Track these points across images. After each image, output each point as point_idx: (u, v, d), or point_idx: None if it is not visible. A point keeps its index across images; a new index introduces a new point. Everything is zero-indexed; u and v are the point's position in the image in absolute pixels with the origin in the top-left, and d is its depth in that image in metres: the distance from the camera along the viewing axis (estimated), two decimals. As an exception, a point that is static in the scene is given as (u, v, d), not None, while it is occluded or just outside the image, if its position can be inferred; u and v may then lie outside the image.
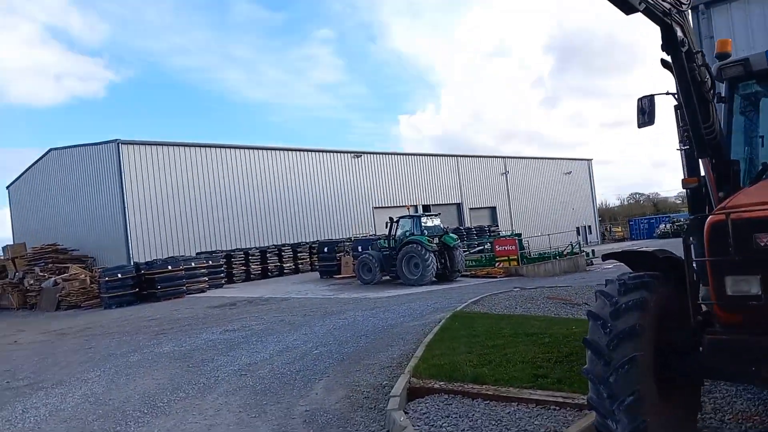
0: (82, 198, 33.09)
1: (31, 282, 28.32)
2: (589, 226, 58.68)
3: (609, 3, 3.40)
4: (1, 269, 34.77)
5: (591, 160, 60.64)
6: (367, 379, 7.28)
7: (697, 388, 4.39)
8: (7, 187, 43.38)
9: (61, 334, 16.78)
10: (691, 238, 4.17)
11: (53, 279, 27.12)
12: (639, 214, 77.70)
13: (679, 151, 4.51)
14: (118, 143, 28.61)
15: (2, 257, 36.61)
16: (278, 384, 7.63)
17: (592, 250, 33.81)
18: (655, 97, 4.74)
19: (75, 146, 33.52)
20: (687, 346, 3.97)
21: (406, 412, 5.35)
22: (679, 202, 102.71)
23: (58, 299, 25.64)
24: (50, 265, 29.77)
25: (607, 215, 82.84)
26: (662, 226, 59.48)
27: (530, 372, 6.07)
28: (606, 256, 4.46)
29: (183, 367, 9.38)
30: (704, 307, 3.93)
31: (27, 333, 18.44)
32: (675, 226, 57.19)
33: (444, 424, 4.99)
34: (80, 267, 28.95)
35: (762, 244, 3.38)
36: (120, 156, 28.45)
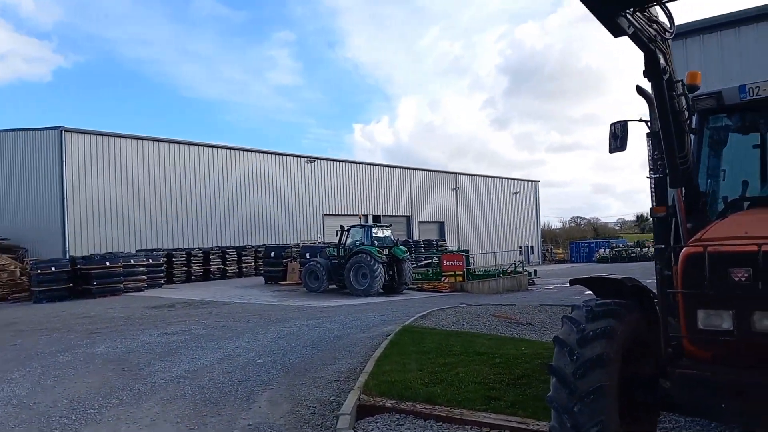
0: (18, 185, 31.43)
1: (-46, 271, 26.57)
2: (532, 246, 60.02)
3: (599, 23, 3.36)
4: None
5: (538, 182, 62.30)
6: (313, 394, 7.04)
7: (655, 418, 4.39)
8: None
9: (-17, 329, 15.73)
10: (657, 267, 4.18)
11: (-22, 268, 25.53)
12: (579, 238, 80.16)
13: (648, 179, 4.52)
14: (61, 130, 27.34)
15: None
16: (219, 394, 7.29)
17: (534, 270, 34.59)
18: (628, 123, 4.78)
19: (15, 130, 31.89)
20: (652, 377, 3.95)
21: (356, 432, 5.16)
22: (617, 228, 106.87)
23: (-18, 290, 24.14)
24: (-24, 254, 28.07)
25: (548, 236, 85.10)
26: (602, 250, 61.49)
27: (483, 393, 5.98)
28: (573, 281, 4.42)
29: (117, 371, 8.88)
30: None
31: (-55, 325, 17.22)
32: (614, 252, 59.25)
33: (396, 447, 4.83)
34: (10, 257, 27.39)
35: (736, 279, 3.38)
36: (63, 144, 27.19)
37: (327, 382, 7.60)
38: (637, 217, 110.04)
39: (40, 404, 7.03)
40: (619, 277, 4.28)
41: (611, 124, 4.79)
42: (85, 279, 22.86)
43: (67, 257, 24.73)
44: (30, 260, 25.63)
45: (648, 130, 4.66)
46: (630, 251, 59.09)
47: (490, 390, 6.14)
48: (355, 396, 6.05)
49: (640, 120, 4.81)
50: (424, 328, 11.33)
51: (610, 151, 4.82)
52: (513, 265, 30.75)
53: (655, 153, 4.31)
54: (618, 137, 4.70)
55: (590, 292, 4.53)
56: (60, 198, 27.26)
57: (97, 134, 28.78)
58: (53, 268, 22.53)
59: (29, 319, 17.02)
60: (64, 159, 27.19)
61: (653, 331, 4.13)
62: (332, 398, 6.75)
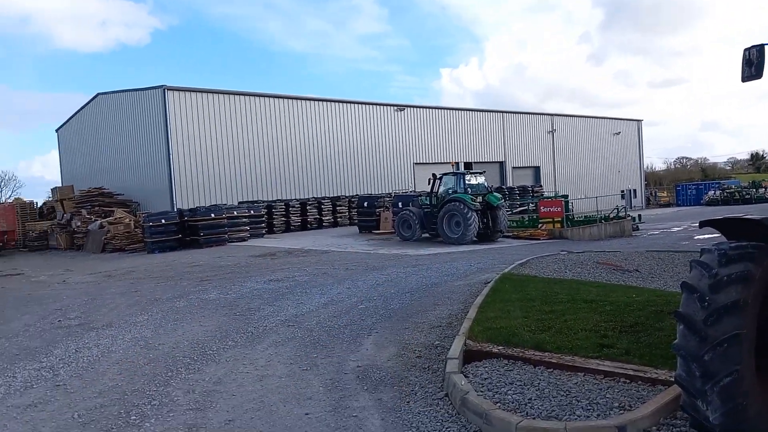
0: (128, 143, 33.55)
1: (78, 224, 29.09)
2: (635, 190, 56.98)
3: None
4: (50, 210, 35.91)
5: (641, 120, 58.42)
6: (417, 338, 7.11)
7: None
8: (57, 130, 44.33)
9: (107, 276, 17.17)
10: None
11: (99, 222, 27.78)
12: (686, 180, 75.18)
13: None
14: (164, 89, 28.69)
15: (51, 199, 37.76)
16: (327, 337, 7.53)
17: (639, 215, 32.90)
18: (765, 48, 4.29)
19: (122, 91, 33.82)
20: None
21: (465, 376, 5.14)
22: (728, 168, 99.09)
23: (103, 242, 26.29)
24: (96, 208, 30.51)
25: (652, 179, 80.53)
26: (711, 192, 57.31)
27: (595, 341, 5.76)
28: (704, 223, 4.06)
29: (230, 315, 9.40)
30: None
31: (74, 273, 18.97)
32: (725, 194, 55.11)
33: (509, 392, 4.76)
34: (125, 211, 29.57)
35: None
36: (166, 102, 28.57)
37: (429, 327, 7.65)
38: (752, 155, 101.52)
39: (164, 345, 7.58)
40: (757, 217, 3.88)
41: (745, 50, 4.32)
42: (192, 230, 24.28)
43: (175, 210, 26.29)
44: (142, 214, 27.50)
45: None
46: (744, 193, 54.61)
47: (601, 338, 5.90)
48: (461, 341, 6.01)
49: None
50: (525, 275, 11.09)
51: (743, 79, 4.37)
52: (615, 210, 29.44)
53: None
54: (753, 63, 4.22)
55: (711, 235, 4.14)
56: (167, 153, 28.84)
57: (197, 91, 29.95)
58: (163, 221, 24.07)
59: (145, 268, 18.37)
60: (168, 116, 28.61)
61: None
62: (436, 343, 6.78)
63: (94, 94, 37.55)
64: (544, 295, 8.28)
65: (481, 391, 4.76)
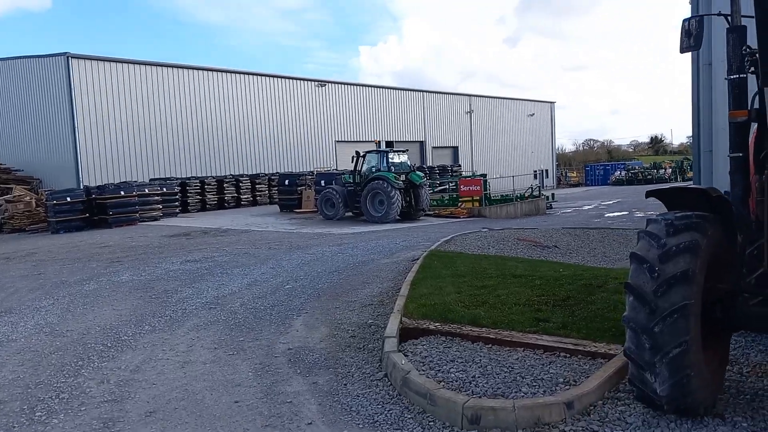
0: (28, 116, 30.87)
1: (-30, 203, 26.60)
2: (546, 170, 59.27)
3: None
4: (-65, 188, 32.66)
5: (554, 103, 60.70)
6: (349, 317, 6.88)
7: (729, 336, 4.14)
8: (-59, 100, 40.15)
9: (5, 258, 15.77)
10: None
11: (-5, 200, 25.54)
12: (593, 161, 79.09)
13: (726, 80, 4.06)
14: (67, 56, 26.54)
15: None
16: (253, 319, 7.16)
17: (552, 194, 34.20)
18: (704, 18, 4.31)
19: (20, 57, 30.96)
20: (731, 294, 3.66)
21: (405, 355, 4.95)
22: (631, 150, 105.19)
23: (0, 222, 24.21)
24: (-9, 186, 28.02)
25: (562, 160, 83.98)
26: (617, 173, 60.78)
27: (530, 316, 5.75)
28: (649, 193, 4.05)
29: (145, 298, 8.78)
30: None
31: (-33, 256, 17.30)
32: (630, 174, 58.54)
33: (451, 370, 4.62)
34: (25, 188, 27.34)
35: None
36: (70, 71, 26.46)
37: (361, 306, 7.44)
38: (651, 138, 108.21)
39: (72, 332, 6.93)
40: (701, 187, 3.90)
41: (684, 20, 4.32)
42: (100, 209, 22.79)
43: (82, 187, 24.57)
44: (45, 191, 25.54)
45: (728, 26, 4.19)
46: (646, 173, 58.38)
47: (536, 312, 5.91)
48: (397, 319, 5.83)
49: (719, 14, 4.34)
50: (452, 252, 11.11)
51: (682, 50, 4.37)
52: (530, 190, 30.41)
53: (744, 48, 3.82)
54: (692, 34, 4.23)
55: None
56: (71, 127, 26.81)
57: (104, 60, 27.95)
58: (68, 198, 22.45)
59: (49, 249, 17.04)
60: (72, 86, 26.53)
61: (733, 246, 3.81)
62: (369, 321, 6.58)
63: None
64: (474, 271, 8.28)
65: (423, 371, 4.60)
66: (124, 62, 28.68)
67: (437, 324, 5.62)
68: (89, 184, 25.26)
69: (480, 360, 4.80)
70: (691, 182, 15.68)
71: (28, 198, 25.09)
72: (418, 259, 11.00)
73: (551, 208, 29.56)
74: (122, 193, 23.00)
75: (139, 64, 29.25)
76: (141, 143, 29.08)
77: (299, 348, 5.86)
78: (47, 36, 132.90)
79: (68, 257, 14.99)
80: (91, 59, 27.45)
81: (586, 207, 30.86)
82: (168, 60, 29.74)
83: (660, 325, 3.32)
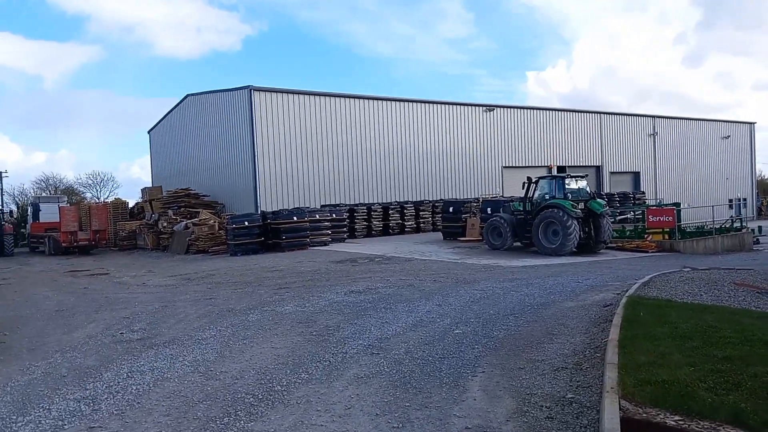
0: (215, 144, 33.64)
1: (165, 224, 29.23)
2: (744, 200, 51.85)
3: None
4: (139, 210, 36.69)
5: (754, 123, 53.20)
6: (540, 385, 5.47)
7: None
8: (149, 132, 45.60)
9: (185, 279, 16.58)
10: None
11: (184, 223, 27.74)
12: (801, 189, 68.03)
13: None
14: (250, 89, 28.36)
15: (141, 199, 38.66)
16: (420, 374, 6.05)
17: (759, 227, 29.35)
18: None
19: (210, 92, 33.97)
20: None
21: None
22: None
23: (188, 243, 26.15)
24: (182, 209, 30.63)
25: (761, 187, 73.50)
26: (839, 203, 51.36)
27: (823, 416, 3.94)
28: None
29: (306, 335, 8.12)
30: None
31: (155, 275, 18.58)
32: None
33: None
34: (210, 212, 29.46)
35: None
36: (252, 102, 28.21)
37: (552, 369, 5.99)
38: None
39: (226, 374, 6.35)
40: None
41: None
42: (275, 233, 23.60)
43: (259, 212, 25.74)
44: (226, 215, 27.20)
45: None
46: None
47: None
48: (614, 403, 4.29)
49: None
50: (657, 299, 9.12)
51: None
52: (730, 221, 26.20)
53: None
54: None
55: None
56: (252, 155, 28.45)
57: (282, 92, 29.43)
58: (246, 223, 23.54)
59: (225, 272, 17.67)
60: (254, 117, 28.22)
61: None
62: (569, 396, 5.11)
63: (184, 95, 38.12)
64: (701, 330, 6.40)
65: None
66: (299, 93, 29.96)
67: (677, 418, 4.00)
68: (266, 210, 26.44)
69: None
70: None
71: (212, 221, 26.86)
72: (611, 304, 9.23)
73: (758, 243, 25.16)
74: (295, 218, 23.63)
75: (313, 94, 30.38)
76: (313, 170, 30.03)
77: (480, 428, 4.56)
78: (236, 74, 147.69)
79: (240, 281, 15.29)
80: (270, 91, 29.04)
81: (805, 244, 25.89)
82: (341, 90, 30.51)
83: None
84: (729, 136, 50.27)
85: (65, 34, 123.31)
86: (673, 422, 3.94)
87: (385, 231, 29.43)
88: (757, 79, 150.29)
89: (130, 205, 38.95)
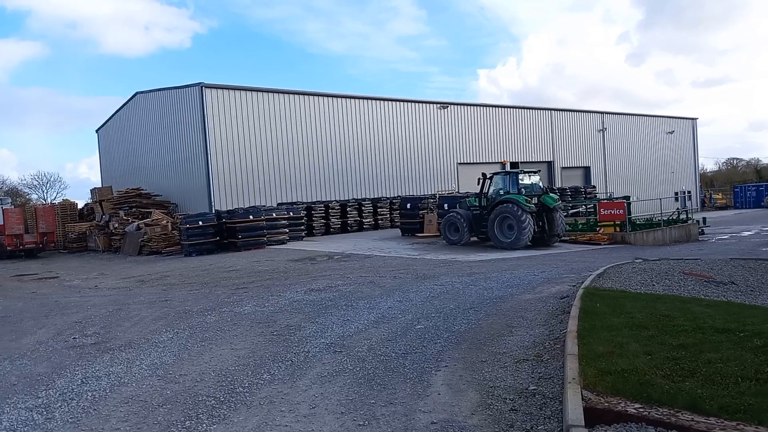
0: (166, 143, 32.83)
1: (116, 225, 28.41)
2: (689, 192, 53.96)
3: None
4: (89, 211, 35.52)
5: (696, 119, 55.32)
6: (503, 378, 5.53)
7: None
8: (97, 131, 44.16)
9: (139, 281, 16.13)
10: None
11: (136, 224, 27.01)
12: (739, 181, 71.15)
13: None
14: (201, 86, 27.78)
15: (91, 200, 37.42)
16: (384, 371, 6.03)
17: (704, 218, 30.53)
18: None
19: (160, 89, 33.13)
20: None
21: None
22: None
23: (140, 244, 25.48)
24: (134, 210, 29.81)
25: (703, 180, 76.50)
26: (773, 194, 53.94)
27: (774, 399, 4.10)
28: None
29: (266, 335, 8.00)
30: None
31: (108, 277, 18.04)
32: (789, 195, 51.71)
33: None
34: (163, 212, 28.76)
35: None
36: (204, 100, 27.63)
37: (513, 361, 6.07)
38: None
39: (186, 377, 6.19)
40: None
41: None
42: (230, 233, 23.21)
43: (213, 212, 25.26)
44: (179, 215, 26.59)
45: None
46: (811, 195, 51.32)
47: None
48: (576, 393, 4.37)
49: None
50: (612, 290, 9.36)
51: None
52: (676, 213, 27.18)
53: None
54: None
55: None
56: (204, 153, 27.88)
57: (234, 89, 28.94)
58: (200, 222, 23.08)
59: (180, 273, 17.27)
60: (206, 114, 27.64)
61: None
62: (531, 388, 5.18)
63: (132, 93, 37.06)
64: (655, 320, 6.59)
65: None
66: (252, 90, 29.52)
67: (637, 406, 4.10)
68: (220, 209, 25.96)
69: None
70: None
71: (164, 222, 26.23)
72: (567, 296, 9.42)
73: (703, 233, 26.17)
74: (251, 217, 23.30)
75: (266, 92, 29.97)
76: (269, 169, 29.66)
77: (445, 421, 4.59)
78: (186, 72, 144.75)
79: (196, 281, 14.96)
80: (222, 88, 28.51)
81: (745, 233, 27.07)
82: (294, 87, 30.18)
83: None
84: (673, 131, 52.16)
85: (4, 30, 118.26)
86: (633, 410, 4.05)
87: (344, 228, 29.36)
88: (695, 77, 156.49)
89: (80, 206, 37.67)
